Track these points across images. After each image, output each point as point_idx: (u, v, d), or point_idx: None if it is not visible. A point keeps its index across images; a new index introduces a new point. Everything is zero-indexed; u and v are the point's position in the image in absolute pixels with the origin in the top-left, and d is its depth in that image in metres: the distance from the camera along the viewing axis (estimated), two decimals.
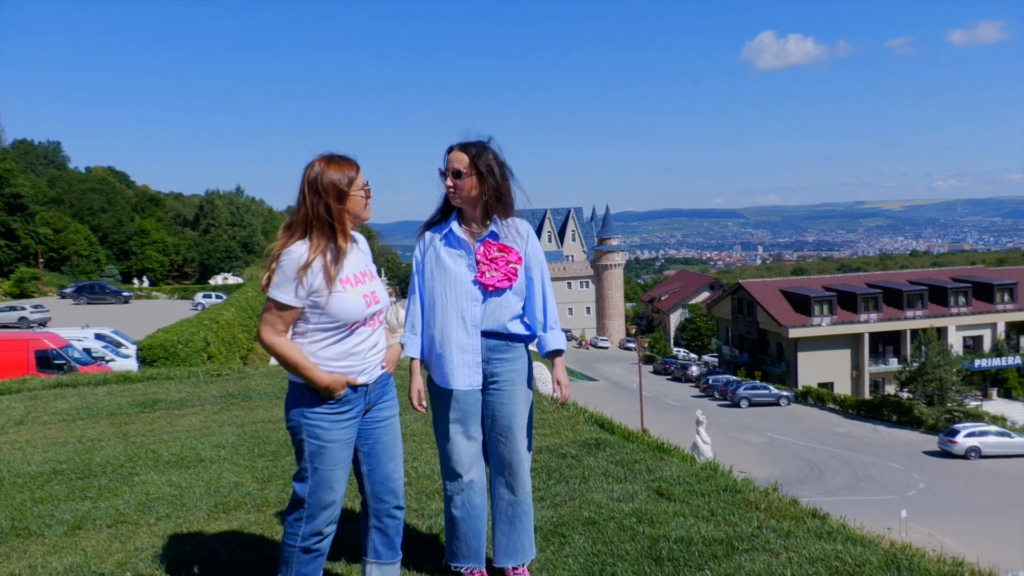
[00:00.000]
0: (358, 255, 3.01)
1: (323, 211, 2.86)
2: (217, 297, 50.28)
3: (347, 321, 2.89)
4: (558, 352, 3.42)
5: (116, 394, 8.80)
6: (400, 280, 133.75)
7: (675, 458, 5.31)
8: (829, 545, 3.58)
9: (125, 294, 54.88)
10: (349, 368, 2.94)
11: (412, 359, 3.38)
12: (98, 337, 25.77)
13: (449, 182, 3.25)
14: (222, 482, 5.07)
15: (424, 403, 3.37)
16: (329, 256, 2.85)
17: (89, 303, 51.60)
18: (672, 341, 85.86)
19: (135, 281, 76.07)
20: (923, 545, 3.89)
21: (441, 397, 3.34)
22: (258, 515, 4.40)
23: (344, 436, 2.96)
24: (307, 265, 2.80)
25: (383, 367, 3.08)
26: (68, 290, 56.18)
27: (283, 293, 2.82)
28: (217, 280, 79.00)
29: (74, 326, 28.98)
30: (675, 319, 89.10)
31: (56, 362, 19.20)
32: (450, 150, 3.28)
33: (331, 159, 2.91)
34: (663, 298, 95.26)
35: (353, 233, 3.03)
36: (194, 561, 3.69)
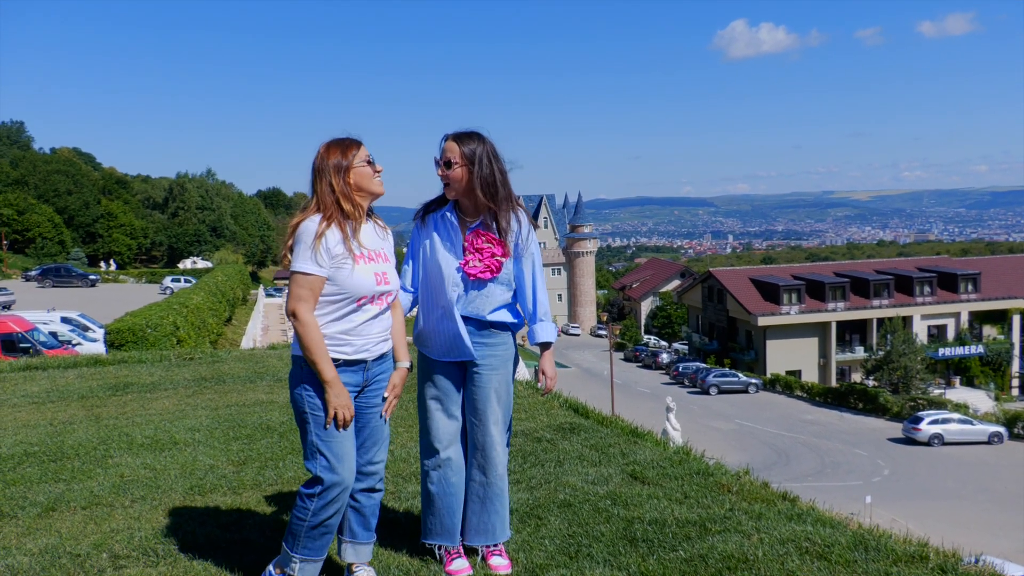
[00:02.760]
0: (376, 235, 3.10)
1: (327, 189, 2.96)
2: (186, 281, 49.80)
3: (355, 295, 2.96)
4: (546, 344, 3.49)
5: (87, 377, 8.70)
6: None
7: (648, 442, 5.40)
8: (799, 527, 3.67)
9: (92, 277, 54.14)
10: (348, 342, 3.00)
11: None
12: (64, 320, 25.42)
13: (440, 171, 3.29)
14: (197, 465, 5.07)
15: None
16: (345, 227, 2.95)
17: (55, 286, 50.82)
18: (643, 328, 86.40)
19: (102, 264, 75.02)
20: (888, 530, 3.99)
21: (426, 371, 3.41)
22: (234, 497, 4.40)
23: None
24: (321, 233, 2.90)
25: (383, 354, 3.12)
26: (33, 273, 55.33)
27: (304, 263, 2.90)
28: (186, 264, 78.23)
29: (39, 309, 28.53)
30: (646, 307, 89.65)
31: (22, 345, 18.94)
32: (445, 139, 3.31)
33: (330, 142, 3.02)
34: (634, 286, 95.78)
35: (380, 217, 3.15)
36: (171, 542, 3.69)
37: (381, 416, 3.16)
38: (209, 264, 71.14)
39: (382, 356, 3.13)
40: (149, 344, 15.47)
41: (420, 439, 3.48)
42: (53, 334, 22.24)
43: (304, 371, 2.98)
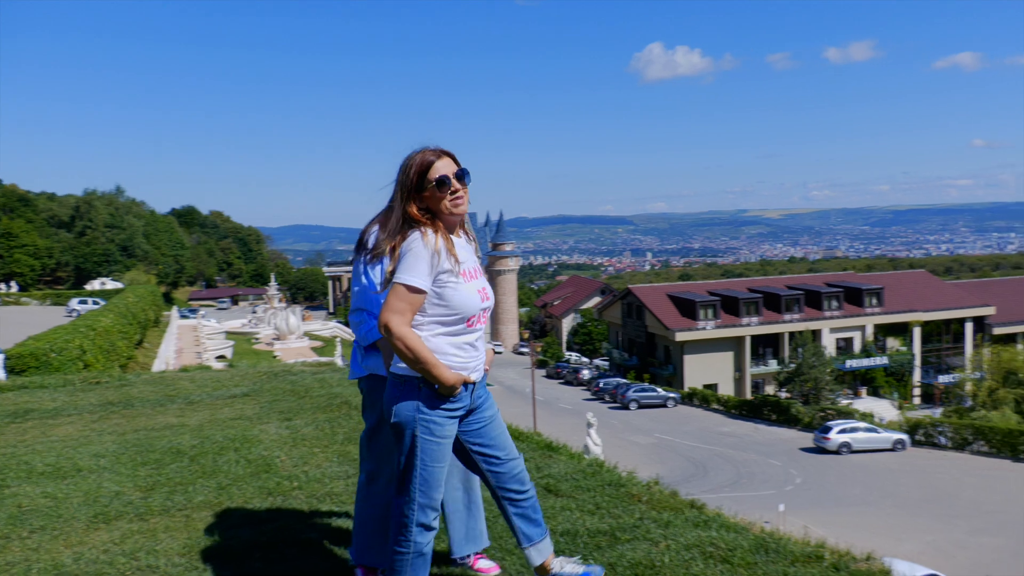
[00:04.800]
0: (468, 250, 3.00)
1: (413, 206, 2.91)
2: (94, 303, 47.94)
3: (466, 314, 2.88)
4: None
5: None
6: (291, 285, 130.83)
7: (563, 456, 5.48)
8: (705, 532, 3.80)
9: None
10: (464, 364, 2.93)
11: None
12: None
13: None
14: (102, 492, 4.91)
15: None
16: (451, 244, 2.87)
17: None
18: (564, 345, 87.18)
19: (2, 286, 71.59)
20: (789, 533, 4.16)
21: None
22: (141, 524, 4.29)
23: (453, 432, 2.97)
24: (437, 249, 2.81)
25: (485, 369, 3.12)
26: None
27: (412, 277, 2.79)
28: (94, 285, 75.23)
29: None
30: (567, 324, 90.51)
31: None
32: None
33: (419, 153, 2.93)
34: (556, 303, 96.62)
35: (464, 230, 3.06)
36: (72, 573, 3.58)
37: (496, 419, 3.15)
38: (120, 285, 68.67)
39: (484, 375, 3.12)
40: (53, 369, 14.86)
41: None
42: None
43: (422, 392, 2.86)
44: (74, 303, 50.03)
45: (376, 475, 3.47)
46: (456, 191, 2.88)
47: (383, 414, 3.36)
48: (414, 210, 2.88)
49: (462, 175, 2.90)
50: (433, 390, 2.86)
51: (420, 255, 2.80)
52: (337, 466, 5.35)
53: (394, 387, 2.92)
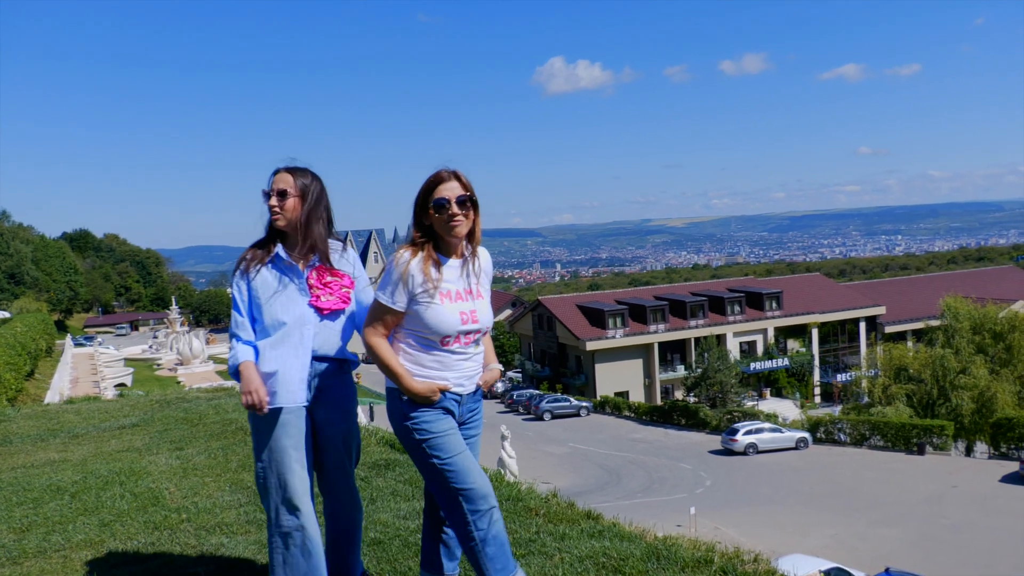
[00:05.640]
0: (469, 273, 3.06)
1: (414, 223, 3.03)
2: None
3: (440, 333, 2.94)
4: None
5: None
6: (194, 308, 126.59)
7: None
8: (599, 543, 3.82)
9: None
10: (441, 375, 2.98)
11: (245, 362, 3.16)
12: None
13: (273, 201, 3.23)
14: None
15: (266, 403, 3.12)
16: (430, 266, 2.92)
17: None
18: None
19: None
20: (711, 538, 4.22)
21: (272, 422, 3.17)
22: (13, 568, 4.05)
23: (453, 426, 2.99)
24: (406, 271, 2.92)
25: (478, 384, 3.13)
26: None
27: (383, 294, 2.96)
28: None
29: None
30: None
31: None
32: (276, 172, 3.28)
33: (435, 172, 3.00)
34: None
35: (480, 249, 3.11)
36: None
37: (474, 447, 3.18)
38: (7, 314, 65.09)
39: (476, 391, 3.14)
40: None
41: (272, 498, 3.15)
42: None
43: (404, 401, 2.97)
44: None
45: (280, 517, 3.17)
46: (455, 215, 2.94)
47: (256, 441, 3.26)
48: (415, 229, 3.04)
49: (463, 200, 2.96)
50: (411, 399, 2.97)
51: (391, 275, 2.95)
52: (229, 495, 5.17)
53: (388, 400, 3.06)
